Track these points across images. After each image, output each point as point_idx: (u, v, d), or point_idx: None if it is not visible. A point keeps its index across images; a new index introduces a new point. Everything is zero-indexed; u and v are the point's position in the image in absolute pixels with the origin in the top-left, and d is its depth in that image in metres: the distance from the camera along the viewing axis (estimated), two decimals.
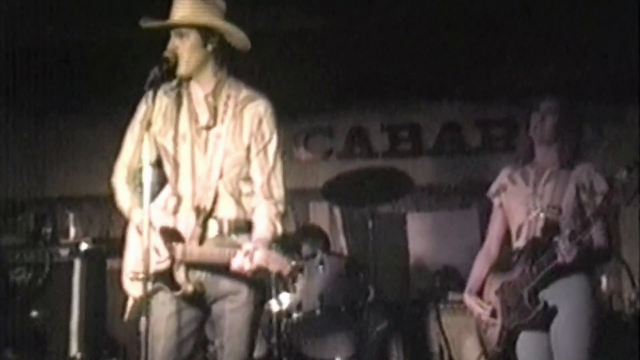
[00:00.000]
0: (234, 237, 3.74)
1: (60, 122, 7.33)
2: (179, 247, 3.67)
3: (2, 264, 5.95)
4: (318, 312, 5.56)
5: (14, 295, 5.85)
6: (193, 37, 3.73)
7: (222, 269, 3.69)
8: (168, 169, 3.82)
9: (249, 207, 3.79)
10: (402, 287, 6.84)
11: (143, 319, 3.48)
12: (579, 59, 6.72)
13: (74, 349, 5.65)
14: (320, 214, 7.30)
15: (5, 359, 5.59)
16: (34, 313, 5.84)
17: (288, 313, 5.54)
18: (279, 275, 3.61)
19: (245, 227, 3.77)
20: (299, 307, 5.56)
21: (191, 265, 3.70)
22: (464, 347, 5.59)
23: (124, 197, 3.86)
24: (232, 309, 3.75)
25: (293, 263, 3.60)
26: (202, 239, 3.71)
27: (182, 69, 3.74)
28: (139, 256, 3.72)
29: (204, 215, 3.72)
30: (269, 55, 6.34)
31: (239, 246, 3.64)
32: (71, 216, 6.27)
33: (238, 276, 3.68)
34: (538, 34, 6.46)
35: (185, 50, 3.73)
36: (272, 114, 3.81)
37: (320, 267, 5.65)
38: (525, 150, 4.30)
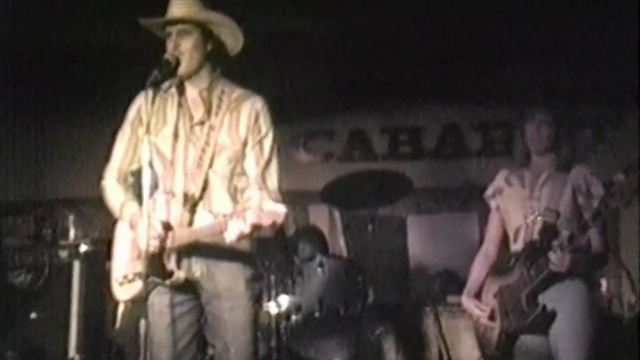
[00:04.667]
0: None
1: (60, 124, 7.33)
2: (169, 234, 3.67)
3: (2, 265, 5.95)
4: (317, 314, 5.57)
5: (14, 297, 5.87)
6: (195, 35, 3.76)
7: (217, 261, 3.72)
8: (160, 168, 3.81)
9: (244, 202, 3.79)
10: (402, 290, 6.86)
11: (143, 322, 3.47)
12: (579, 62, 6.74)
13: (72, 351, 5.65)
14: (320, 217, 7.30)
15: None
16: (33, 315, 5.85)
17: (287, 315, 5.55)
18: (274, 225, 3.52)
19: None
20: (298, 309, 5.59)
21: (184, 253, 3.71)
22: (462, 351, 5.61)
23: (115, 194, 3.87)
24: (231, 307, 3.75)
25: (284, 209, 3.54)
26: (190, 224, 3.72)
27: (184, 69, 3.77)
28: (128, 260, 3.79)
29: (192, 202, 3.73)
30: (270, 58, 6.36)
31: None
32: (71, 218, 6.28)
33: (232, 261, 3.72)
34: (539, 37, 6.48)
35: (187, 50, 3.75)
36: (268, 110, 3.86)
37: (320, 269, 5.67)
38: (521, 155, 4.32)
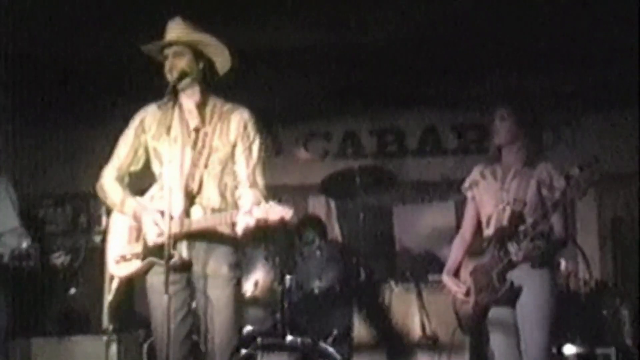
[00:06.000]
0: None
1: (93, 126, 7.33)
2: (173, 222, 3.69)
3: (45, 248, 5.98)
4: (316, 291, 5.60)
5: (55, 276, 5.91)
6: (188, 55, 3.83)
7: (206, 246, 3.77)
8: (158, 167, 3.90)
9: (232, 199, 3.86)
10: (389, 269, 6.86)
11: (165, 296, 3.55)
12: (543, 73, 6.75)
13: (106, 321, 5.68)
14: (318, 207, 7.34)
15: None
16: (72, 291, 5.89)
17: (290, 292, 5.57)
18: (282, 222, 3.58)
19: None
20: (299, 287, 5.59)
21: (179, 239, 3.73)
22: (442, 322, 5.61)
23: (115, 191, 3.91)
24: (215, 285, 3.78)
25: (292, 210, 3.59)
26: (188, 217, 3.78)
27: (182, 84, 3.81)
28: (125, 242, 3.87)
29: (191, 198, 3.79)
30: (274, 70, 6.38)
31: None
32: (104, 207, 6.26)
33: (221, 253, 3.77)
34: (508, 50, 6.48)
35: (182, 68, 3.81)
36: (254, 120, 3.94)
37: (318, 252, 5.70)
38: (493, 151, 4.35)
